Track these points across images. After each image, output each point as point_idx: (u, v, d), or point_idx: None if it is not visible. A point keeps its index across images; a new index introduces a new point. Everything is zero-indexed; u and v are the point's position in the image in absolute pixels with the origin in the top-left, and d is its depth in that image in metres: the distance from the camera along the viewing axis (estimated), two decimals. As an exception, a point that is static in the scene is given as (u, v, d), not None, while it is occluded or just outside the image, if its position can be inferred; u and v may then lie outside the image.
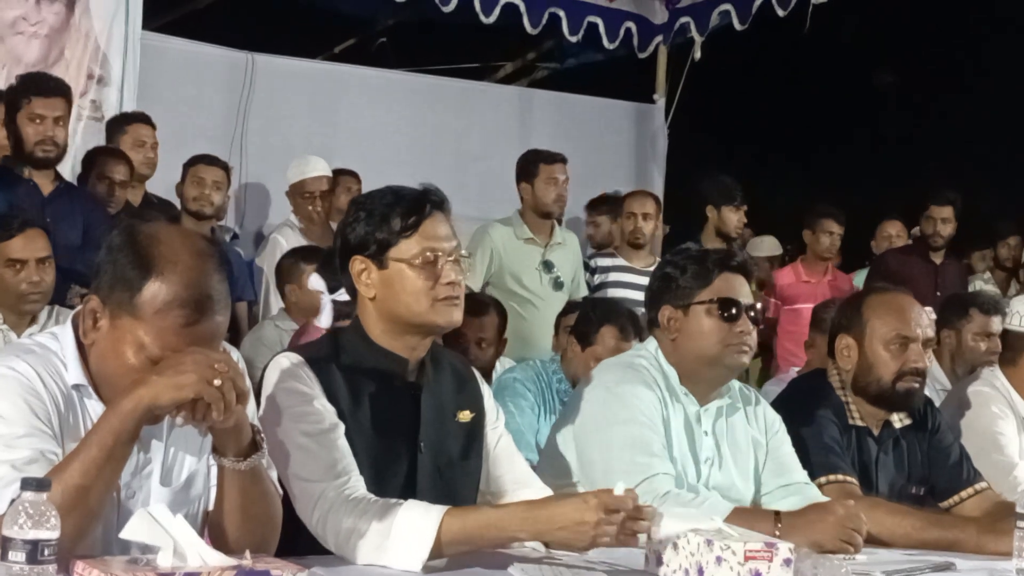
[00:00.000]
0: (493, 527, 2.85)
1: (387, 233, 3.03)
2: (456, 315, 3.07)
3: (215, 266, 2.56)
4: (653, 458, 3.43)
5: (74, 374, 2.60)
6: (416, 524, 2.79)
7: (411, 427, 3.07)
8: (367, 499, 2.87)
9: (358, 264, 3.07)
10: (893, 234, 9.19)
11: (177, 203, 7.05)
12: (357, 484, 2.91)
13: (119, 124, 7.01)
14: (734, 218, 7.92)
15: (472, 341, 5.90)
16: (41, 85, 6.07)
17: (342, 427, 2.95)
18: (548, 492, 3.19)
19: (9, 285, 5.08)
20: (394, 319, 3.06)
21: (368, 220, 3.06)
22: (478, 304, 6.02)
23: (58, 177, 6.10)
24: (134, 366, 2.51)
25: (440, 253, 3.03)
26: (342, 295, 5.10)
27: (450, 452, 3.13)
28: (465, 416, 3.17)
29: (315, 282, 5.26)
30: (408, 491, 2.98)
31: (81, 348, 2.61)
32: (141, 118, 7.02)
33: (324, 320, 5.10)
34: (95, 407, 2.59)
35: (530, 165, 7.31)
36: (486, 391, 3.28)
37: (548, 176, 7.26)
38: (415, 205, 3.05)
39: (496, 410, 3.29)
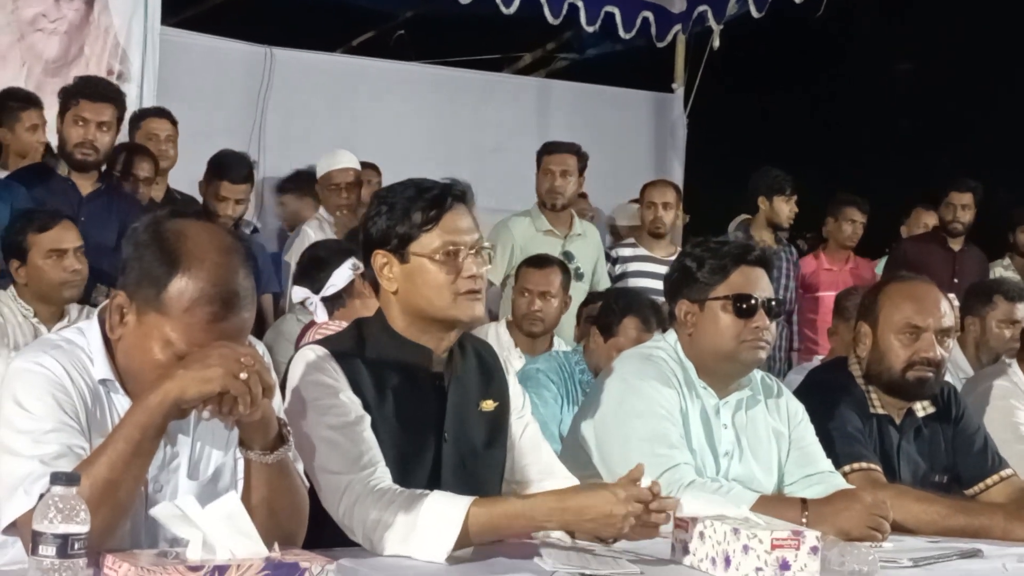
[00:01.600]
0: (520, 517, 2.85)
1: (408, 227, 3.02)
2: (478, 309, 3.06)
3: (241, 262, 2.57)
4: (673, 449, 3.44)
5: (101, 369, 2.60)
6: (443, 514, 2.80)
7: (436, 418, 3.07)
8: (393, 490, 2.87)
9: (380, 258, 3.07)
10: (929, 225, 9.13)
11: (198, 197, 7.04)
12: (383, 476, 2.91)
13: (134, 120, 7.03)
14: (786, 208, 7.96)
15: (536, 294, 6.08)
16: (91, 89, 6.10)
17: (368, 419, 2.96)
18: (574, 482, 3.17)
19: (50, 274, 5.25)
20: (416, 313, 3.06)
21: (389, 214, 3.05)
22: (539, 259, 6.32)
23: (101, 179, 6.11)
24: (161, 362, 2.52)
25: (461, 246, 3.02)
26: (328, 290, 5.17)
27: (474, 442, 3.13)
28: (488, 405, 3.16)
29: (298, 293, 5.34)
30: (433, 482, 2.99)
31: (108, 343, 2.62)
32: (154, 112, 7.06)
33: (320, 317, 5.19)
34: (122, 402, 2.60)
35: (537, 156, 7.36)
36: (512, 380, 3.27)
37: (544, 167, 7.30)
38: (436, 199, 3.04)
39: (522, 398, 3.28)
